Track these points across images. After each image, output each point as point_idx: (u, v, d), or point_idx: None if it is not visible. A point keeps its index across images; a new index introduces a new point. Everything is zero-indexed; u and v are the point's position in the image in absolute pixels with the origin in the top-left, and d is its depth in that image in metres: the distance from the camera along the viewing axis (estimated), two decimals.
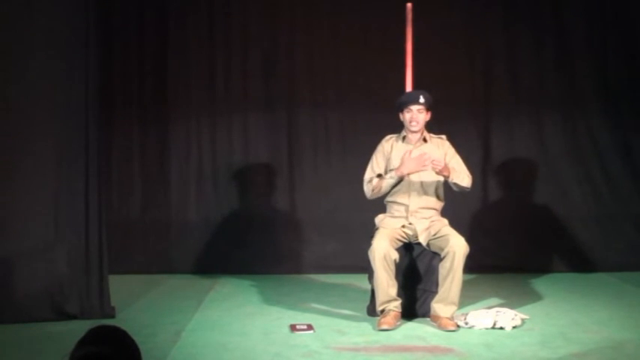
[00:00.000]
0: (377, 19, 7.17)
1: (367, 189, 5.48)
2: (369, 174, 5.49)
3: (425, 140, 5.46)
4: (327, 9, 7.31)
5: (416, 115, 5.37)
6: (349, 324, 5.21)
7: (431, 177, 5.39)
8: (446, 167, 5.23)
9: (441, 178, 5.42)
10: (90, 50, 5.31)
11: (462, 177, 5.33)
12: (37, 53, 5.22)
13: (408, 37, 5.88)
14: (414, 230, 5.34)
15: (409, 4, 5.91)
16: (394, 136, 5.53)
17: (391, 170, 5.37)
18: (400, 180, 5.33)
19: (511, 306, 5.53)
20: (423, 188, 5.39)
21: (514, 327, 5.06)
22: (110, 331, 2.12)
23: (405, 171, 5.27)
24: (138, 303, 5.88)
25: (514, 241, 7.26)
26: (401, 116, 5.45)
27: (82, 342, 2.07)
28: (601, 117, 7.41)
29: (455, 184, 5.31)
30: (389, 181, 5.36)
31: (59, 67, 5.27)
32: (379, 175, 5.44)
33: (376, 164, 5.48)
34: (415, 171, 5.28)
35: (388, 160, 5.45)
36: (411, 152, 5.31)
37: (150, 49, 7.26)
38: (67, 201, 5.29)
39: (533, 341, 4.77)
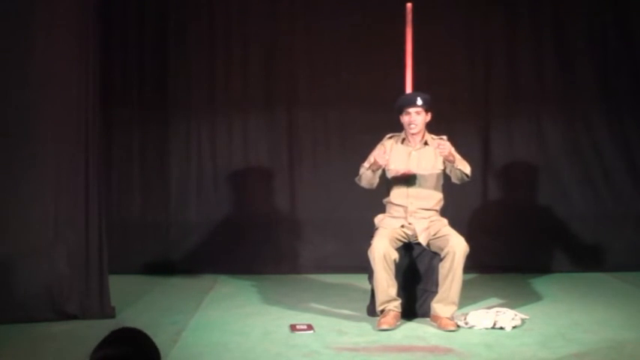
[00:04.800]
0: (377, 19, 7.16)
1: (357, 177, 5.49)
2: (365, 164, 5.49)
3: (426, 143, 5.45)
4: (327, 9, 7.31)
5: (414, 117, 5.37)
6: (349, 324, 5.21)
7: (430, 178, 5.39)
8: (451, 153, 5.23)
9: (441, 180, 5.43)
10: (90, 50, 5.31)
11: (465, 164, 5.33)
12: (37, 54, 5.22)
13: (408, 37, 5.88)
14: (414, 230, 5.34)
15: (409, 4, 5.90)
16: (395, 136, 5.53)
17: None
18: (376, 169, 5.31)
19: (511, 306, 5.53)
20: (422, 190, 5.38)
21: (514, 327, 5.06)
22: (132, 333, 2.11)
23: (380, 162, 5.25)
24: (138, 303, 5.88)
25: (514, 241, 7.26)
26: (400, 119, 5.45)
27: (103, 343, 2.06)
28: (601, 117, 7.42)
29: (459, 170, 5.29)
30: (366, 172, 5.35)
31: (59, 68, 5.27)
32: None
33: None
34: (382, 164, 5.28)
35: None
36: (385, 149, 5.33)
37: (150, 48, 7.27)
38: (67, 201, 5.29)
39: (533, 341, 4.77)
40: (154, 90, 7.27)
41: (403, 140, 5.48)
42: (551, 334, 4.93)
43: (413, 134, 5.42)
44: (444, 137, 5.50)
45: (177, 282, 6.78)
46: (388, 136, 5.55)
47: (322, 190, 7.29)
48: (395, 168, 5.40)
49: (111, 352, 2.01)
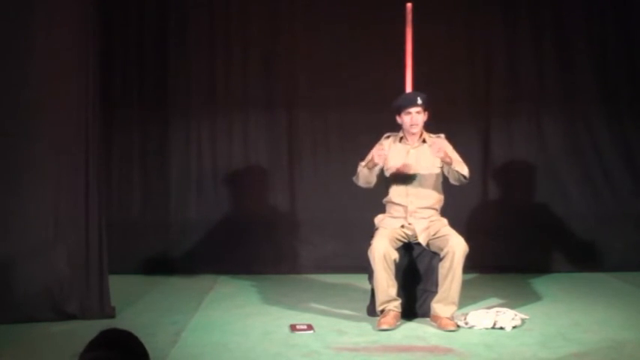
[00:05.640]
0: (377, 19, 7.16)
1: (354, 177, 5.50)
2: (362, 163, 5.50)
3: (424, 141, 5.46)
4: (327, 9, 7.31)
5: (415, 117, 5.37)
6: (349, 324, 5.21)
7: (429, 177, 5.39)
8: (447, 154, 5.21)
9: (440, 179, 5.43)
10: (90, 50, 5.31)
11: (462, 166, 5.33)
12: (37, 53, 5.22)
13: (408, 37, 5.88)
14: (414, 230, 5.34)
15: (409, 4, 5.90)
16: (392, 134, 5.54)
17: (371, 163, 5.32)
18: (372, 167, 5.30)
19: (511, 306, 5.53)
20: (422, 189, 5.39)
21: (514, 327, 5.06)
22: (122, 336, 2.10)
23: (376, 160, 5.24)
24: (138, 303, 5.88)
25: (514, 241, 7.25)
26: (398, 119, 5.45)
27: (92, 345, 2.05)
28: (601, 117, 7.42)
29: (457, 171, 5.29)
30: (362, 170, 5.36)
31: (59, 68, 5.27)
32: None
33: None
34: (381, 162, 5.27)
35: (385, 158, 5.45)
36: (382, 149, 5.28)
37: (150, 48, 7.27)
38: (67, 201, 5.29)
39: (533, 341, 4.77)
40: (154, 90, 7.27)
41: (401, 139, 5.48)
42: (551, 334, 4.93)
43: (413, 133, 5.42)
44: (442, 135, 5.51)
45: (177, 282, 6.78)
46: (386, 135, 5.55)
47: (322, 190, 7.29)
48: (393, 165, 5.39)
49: (99, 355, 2.00)
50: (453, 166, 5.25)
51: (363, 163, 5.39)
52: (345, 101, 7.28)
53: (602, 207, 7.38)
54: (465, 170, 5.32)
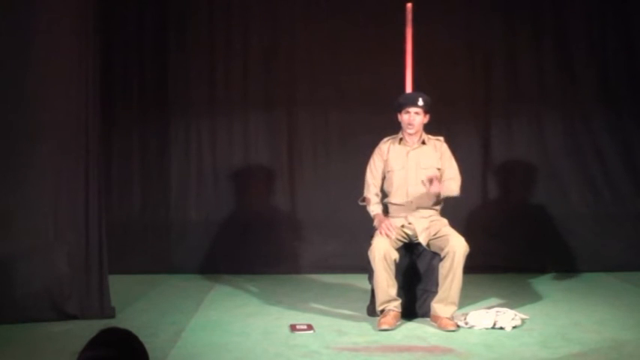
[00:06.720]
0: (377, 19, 7.16)
1: (363, 196, 5.53)
2: (369, 177, 5.53)
3: (423, 142, 5.46)
4: (327, 9, 7.31)
5: (413, 117, 5.37)
6: (349, 324, 5.21)
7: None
8: (436, 184, 5.21)
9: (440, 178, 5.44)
10: (90, 50, 5.31)
11: (451, 188, 5.37)
12: (37, 54, 5.22)
13: (408, 37, 5.89)
14: (414, 230, 5.34)
15: (409, 4, 5.91)
16: (391, 137, 5.54)
17: (377, 214, 5.41)
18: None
19: (511, 306, 5.53)
20: (422, 189, 5.38)
21: (514, 327, 5.07)
22: (121, 335, 2.10)
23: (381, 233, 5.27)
24: (138, 303, 5.88)
25: (514, 241, 7.25)
26: (398, 116, 5.47)
27: (92, 343, 2.06)
28: (601, 117, 7.41)
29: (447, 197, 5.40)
30: (369, 211, 5.46)
31: (59, 68, 5.26)
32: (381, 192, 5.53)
33: (374, 167, 5.50)
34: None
35: (386, 162, 5.46)
36: (388, 221, 5.31)
37: (150, 49, 7.26)
38: (67, 201, 5.29)
39: (533, 341, 4.77)
40: (154, 90, 7.27)
41: (400, 140, 5.48)
42: (551, 334, 4.93)
43: (410, 134, 5.42)
44: (441, 138, 5.55)
45: (177, 282, 6.78)
46: (385, 140, 5.55)
47: (322, 190, 7.29)
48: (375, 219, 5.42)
49: (98, 354, 2.00)
50: (442, 195, 5.35)
51: (371, 212, 5.42)
52: (345, 101, 7.28)
53: (602, 207, 7.38)
54: (454, 191, 5.39)
